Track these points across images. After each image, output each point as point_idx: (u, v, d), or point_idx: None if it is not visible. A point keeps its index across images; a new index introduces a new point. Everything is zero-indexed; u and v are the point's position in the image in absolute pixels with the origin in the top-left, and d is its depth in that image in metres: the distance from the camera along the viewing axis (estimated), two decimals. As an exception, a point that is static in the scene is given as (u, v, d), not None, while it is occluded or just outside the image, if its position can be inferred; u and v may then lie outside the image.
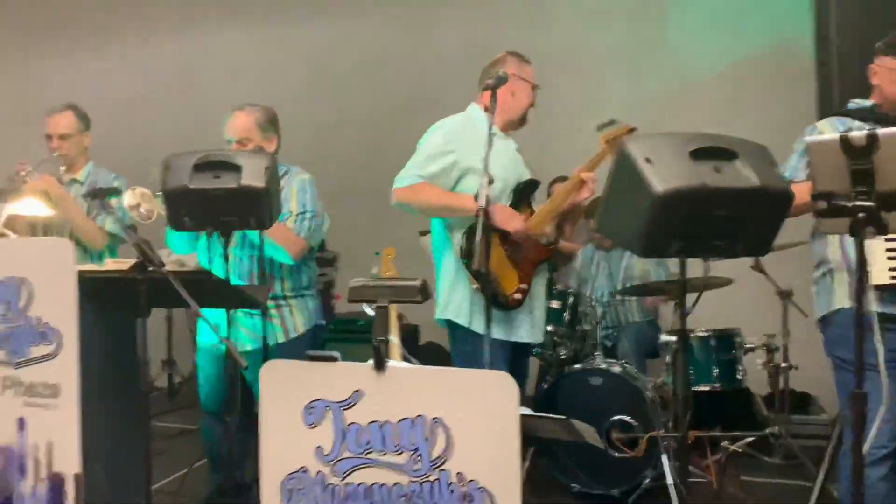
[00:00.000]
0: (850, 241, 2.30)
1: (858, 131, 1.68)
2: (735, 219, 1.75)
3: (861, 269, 1.72)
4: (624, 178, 1.80)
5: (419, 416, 1.53)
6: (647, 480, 3.19)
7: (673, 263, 4.16)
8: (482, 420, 1.48)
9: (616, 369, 3.41)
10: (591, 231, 4.18)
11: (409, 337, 4.69)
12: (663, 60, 4.71)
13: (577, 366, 3.51)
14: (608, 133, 2.63)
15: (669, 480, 3.15)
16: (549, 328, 3.69)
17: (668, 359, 3.41)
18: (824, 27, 3.06)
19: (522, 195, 2.66)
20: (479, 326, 2.54)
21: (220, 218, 2.19)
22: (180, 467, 3.39)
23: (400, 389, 1.56)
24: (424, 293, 1.75)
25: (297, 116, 5.05)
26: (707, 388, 3.47)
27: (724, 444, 3.10)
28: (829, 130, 2.36)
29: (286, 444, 1.60)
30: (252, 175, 2.13)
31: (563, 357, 3.78)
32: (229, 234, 2.25)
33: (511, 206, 2.63)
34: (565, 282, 4.44)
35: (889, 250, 2.20)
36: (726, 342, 3.50)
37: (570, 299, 3.73)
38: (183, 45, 5.84)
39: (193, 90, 5.54)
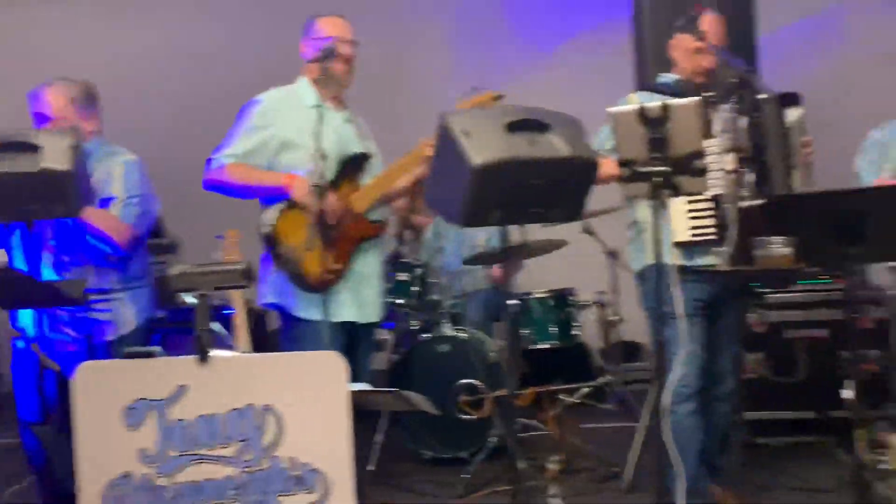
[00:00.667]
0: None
1: (653, 102, 1.81)
2: (549, 187, 1.85)
3: (657, 228, 1.87)
4: (445, 151, 1.84)
5: (248, 405, 1.50)
6: (494, 439, 3.34)
7: (514, 231, 4.34)
8: (312, 402, 1.48)
9: (463, 336, 3.52)
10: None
11: (257, 323, 4.55)
12: (507, 37, 4.82)
13: (426, 335, 3.58)
14: (465, 102, 2.50)
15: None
16: (400, 301, 3.74)
17: (506, 321, 3.56)
18: (639, 5, 3.25)
19: (347, 170, 2.60)
20: (295, 308, 2.48)
21: (20, 206, 1.99)
22: (11, 485, 3.13)
23: (226, 380, 1.52)
24: (248, 277, 1.70)
25: (147, 95, 4.71)
26: (547, 346, 3.67)
27: (562, 397, 3.30)
28: (636, 103, 2.53)
29: (105, 449, 1.51)
30: (54, 156, 1.94)
31: (413, 328, 3.84)
32: (32, 223, 2.06)
33: (332, 181, 2.56)
34: (417, 255, 4.50)
35: (690, 210, 2.41)
36: (562, 301, 3.72)
37: (418, 271, 3.78)
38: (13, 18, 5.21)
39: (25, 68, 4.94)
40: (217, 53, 5.10)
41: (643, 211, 2.56)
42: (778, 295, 3.23)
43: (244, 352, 2.84)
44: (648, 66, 3.11)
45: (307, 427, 1.48)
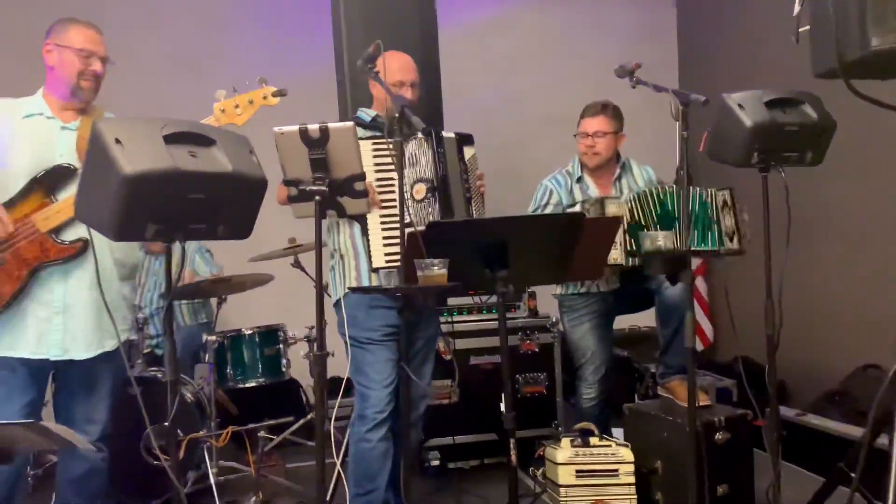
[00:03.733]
0: (357, 230, 2.59)
1: (313, 124, 1.88)
2: (212, 202, 1.81)
3: (318, 247, 1.93)
4: (96, 159, 1.73)
5: None
6: (190, 484, 3.14)
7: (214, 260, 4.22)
8: None
9: (157, 376, 3.29)
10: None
11: None
12: (223, 67, 4.73)
13: (115, 377, 3.28)
14: (239, 96, 2.33)
15: (212, 480, 3.16)
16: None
17: (207, 358, 3.41)
18: (339, 47, 3.41)
19: (39, 183, 2.33)
20: None
21: None
22: None
23: None
24: None
25: None
26: (254, 384, 3.56)
27: (261, 434, 3.21)
28: None
29: None
30: None
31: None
32: None
33: (18, 195, 2.30)
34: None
35: (385, 238, 2.52)
36: (271, 337, 3.64)
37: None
38: None
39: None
40: None
41: (345, 238, 2.64)
42: (464, 324, 3.51)
43: None
44: (349, 105, 3.26)
45: None
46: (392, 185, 2.50)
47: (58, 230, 2.32)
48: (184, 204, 1.77)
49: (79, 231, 2.32)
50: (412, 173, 2.53)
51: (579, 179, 3.24)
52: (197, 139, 1.81)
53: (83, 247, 2.33)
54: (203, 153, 1.80)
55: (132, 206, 1.70)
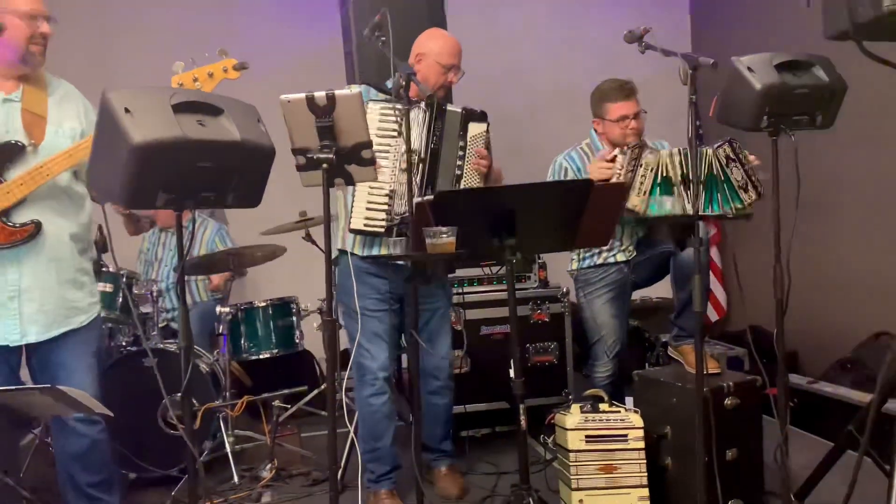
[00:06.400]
0: (349, 190, 2.59)
1: (320, 92, 1.88)
2: (221, 171, 1.83)
3: (326, 216, 1.94)
4: (106, 129, 1.75)
5: None
6: (206, 453, 3.20)
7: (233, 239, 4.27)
8: None
9: (172, 348, 3.34)
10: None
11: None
12: (231, 42, 4.70)
13: (130, 349, 3.35)
14: (199, 69, 2.19)
15: (228, 449, 3.23)
16: (103, 314, 3.43)
17: (221, 329, 3.46)
18: (346, 18, 3.40)
19: None
20: None
21: None
22: None
23: None
24: None
25: None
26: (268, 355, 3.61)
27: (276, 404, 3.26)
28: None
29: None
30: None
31: (122, 343, 3.56)
32: None
33: None
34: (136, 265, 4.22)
35: (370, 202, 2.53)
36: (284, 309, 3.69)
37: (123, 281, 3.51)
38: None
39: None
40: None
41: (343, 201, 2.66)
42: (475, 294, 3.53)
43: None
44: (356, 77, 3.26)
45: None
46: (387, 152, 2.50)
47: (7, 213, 2.17)
48: (193, 172, 1.80)
49: (30, 213, 2.20)
50: (404, 142, 2.52)
51: None
52: (205, 108, 1.83)
53: (35, 230, 2.20)
54: (211, 122, 1.82)
55: (142, 175, 1.73)
